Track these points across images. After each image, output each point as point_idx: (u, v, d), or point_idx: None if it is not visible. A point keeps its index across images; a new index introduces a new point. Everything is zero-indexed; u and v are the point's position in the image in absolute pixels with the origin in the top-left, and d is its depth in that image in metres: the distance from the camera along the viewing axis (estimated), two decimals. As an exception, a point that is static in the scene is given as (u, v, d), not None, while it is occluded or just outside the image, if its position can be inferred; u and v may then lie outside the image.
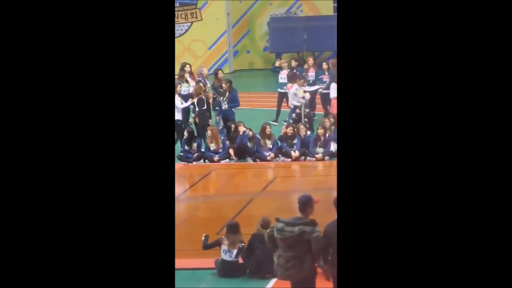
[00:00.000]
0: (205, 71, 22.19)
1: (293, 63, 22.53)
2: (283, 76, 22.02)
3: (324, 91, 21.30)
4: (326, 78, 21.60)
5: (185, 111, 19.98)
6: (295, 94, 20.27)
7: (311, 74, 21.84)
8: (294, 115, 20.14)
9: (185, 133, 18.75)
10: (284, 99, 21.67)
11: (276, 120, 21.55)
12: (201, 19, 31.97)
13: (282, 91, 21.70)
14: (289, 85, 20.78)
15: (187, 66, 21.90)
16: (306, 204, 8.98)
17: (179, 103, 19.42)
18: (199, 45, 31.34)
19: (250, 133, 18.89)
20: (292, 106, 20.40)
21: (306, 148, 18.62)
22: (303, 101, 20.09)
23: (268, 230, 9.28)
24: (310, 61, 22.39)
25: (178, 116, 19.00)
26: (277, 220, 9.10)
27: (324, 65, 21.88)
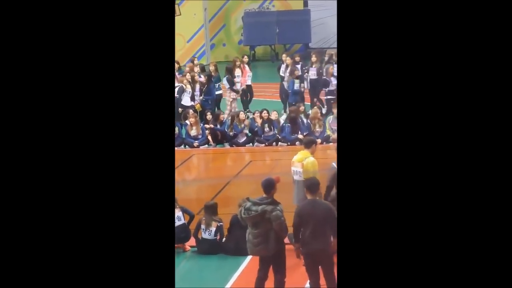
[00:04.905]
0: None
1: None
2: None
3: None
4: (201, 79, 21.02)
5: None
6: None
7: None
8: None
9: None
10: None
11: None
12: (180, 14, 31.86)
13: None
14: None
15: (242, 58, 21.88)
16: (268, 186, 9.29)
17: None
18: (178, 39, 31.07)
19: (229, 120, 19.00)
20: None
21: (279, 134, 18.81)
22: None
23: (239, 210, 9.54)
24: (188, 69, 21.45)
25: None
26: (247, 199, 9.39)
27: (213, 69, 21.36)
